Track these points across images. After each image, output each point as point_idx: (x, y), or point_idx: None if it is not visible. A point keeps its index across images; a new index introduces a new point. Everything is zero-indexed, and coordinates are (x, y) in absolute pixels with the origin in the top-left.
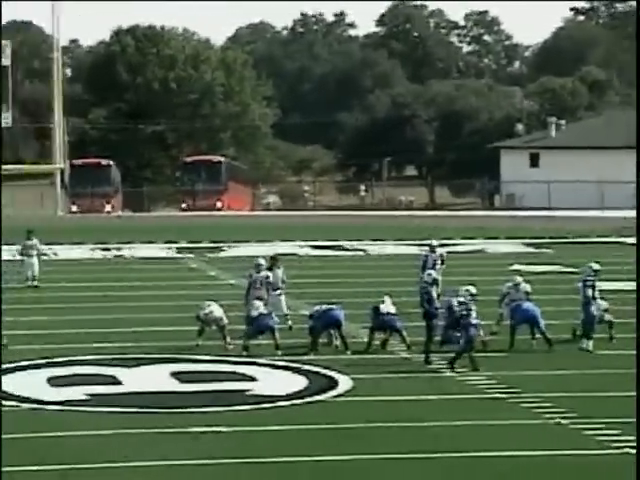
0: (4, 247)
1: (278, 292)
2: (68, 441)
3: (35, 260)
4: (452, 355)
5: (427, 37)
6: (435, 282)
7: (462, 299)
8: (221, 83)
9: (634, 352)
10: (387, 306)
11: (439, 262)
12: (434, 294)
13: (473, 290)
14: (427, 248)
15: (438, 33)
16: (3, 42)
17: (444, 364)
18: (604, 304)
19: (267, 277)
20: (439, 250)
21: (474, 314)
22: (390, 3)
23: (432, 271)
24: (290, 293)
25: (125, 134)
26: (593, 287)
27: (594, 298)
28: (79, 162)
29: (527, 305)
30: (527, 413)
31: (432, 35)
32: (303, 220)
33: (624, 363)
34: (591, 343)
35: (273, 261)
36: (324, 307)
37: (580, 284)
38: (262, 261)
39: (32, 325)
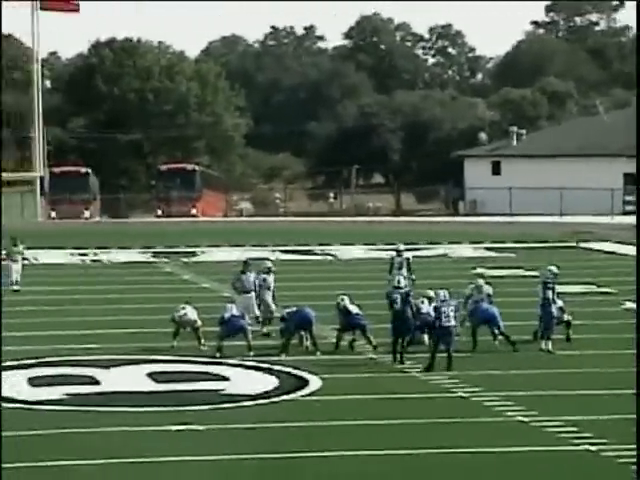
0: None
1: (250, 295)
2: (52, 439)
3: (19, 265)
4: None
5: (393, 49)
6: (404, 285)
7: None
8: (195, 94)
9: (591, 352)
10: (352, 306)
11: (405, 265)
12: (404, 296)
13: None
14: (394, 252)
15: (404, 46)
16: None
17: (410, 364)
18: (562, 305)
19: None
20: (405, 254)
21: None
22: (358, 17)
23: (400, 276)
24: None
25: (102, 143)
26: (552, 289)
27: (553, 300)
28: (58, 170)
29: (485, 306)
30: (489, 411)
31: (398, 48)
32: (274, 226)
33: (581, 363)
34: (550, 343)
35: (245, 265)
36: (295, 309)
37: (540, 286)
38: (270, 264)
39: (11, 327)
